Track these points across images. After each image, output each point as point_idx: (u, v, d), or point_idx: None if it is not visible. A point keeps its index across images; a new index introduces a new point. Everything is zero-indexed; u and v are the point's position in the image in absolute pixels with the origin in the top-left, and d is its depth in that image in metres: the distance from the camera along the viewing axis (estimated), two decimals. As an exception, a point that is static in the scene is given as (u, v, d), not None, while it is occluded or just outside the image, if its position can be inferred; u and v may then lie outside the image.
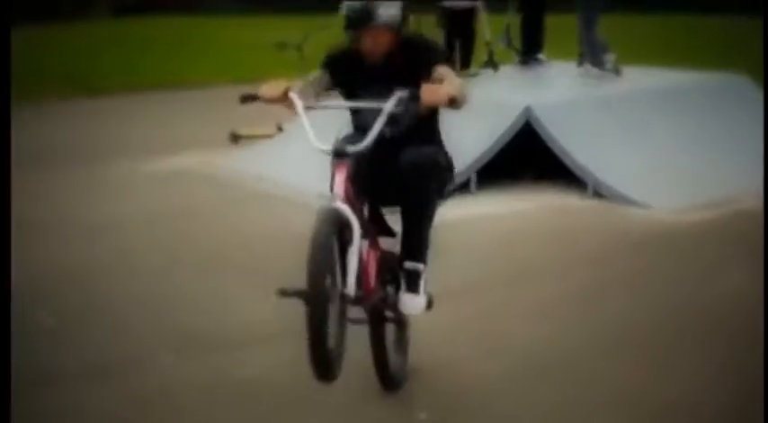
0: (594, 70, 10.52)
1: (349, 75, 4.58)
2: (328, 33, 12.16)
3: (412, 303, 4.54)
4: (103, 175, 10.01)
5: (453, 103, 4.20)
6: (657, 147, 9.16)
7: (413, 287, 4.53)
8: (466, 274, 6.67)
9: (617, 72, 10.35)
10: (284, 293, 3.90)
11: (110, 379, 5.08)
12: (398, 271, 4.58)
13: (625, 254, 7.25)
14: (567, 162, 8.78)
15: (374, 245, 4.51)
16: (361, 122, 4.47)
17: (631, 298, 6.26)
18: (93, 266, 7.02)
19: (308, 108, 4.42)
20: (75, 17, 29.84)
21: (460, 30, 11.37)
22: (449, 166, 4.67)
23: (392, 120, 4.27)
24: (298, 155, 7.22)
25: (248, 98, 4.57)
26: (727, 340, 5.50)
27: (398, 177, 4.36)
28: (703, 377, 5.01)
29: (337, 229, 3.97)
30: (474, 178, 8.87)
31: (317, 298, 3.76)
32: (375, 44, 4.44)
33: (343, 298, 4.00)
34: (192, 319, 5.92)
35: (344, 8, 4.49)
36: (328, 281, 3.84)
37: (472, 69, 11.41)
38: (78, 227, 8.12)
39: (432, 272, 4.62)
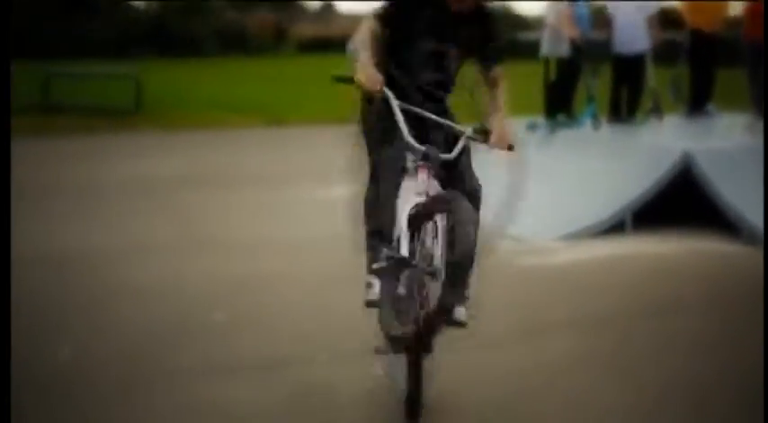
0: (761, 122, 10.60)
1: (413, 18, 4.61)
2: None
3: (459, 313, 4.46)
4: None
5: (510, 149, 4.58)
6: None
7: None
8: (607, 306, 6.95)
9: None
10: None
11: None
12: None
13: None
14: (723, 207, 8.92)
15: None
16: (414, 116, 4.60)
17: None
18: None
19: (400, 107, 4.50)
20: (264, 52, 31.47)
21: (628, 76, 11.57)
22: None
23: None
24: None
25: (343, 79, 4.57)
26: None
27: None
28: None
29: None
30: (629, 219, 9.13)
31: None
32: None
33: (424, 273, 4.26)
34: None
35: None
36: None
37: (639, 117, 11.63)
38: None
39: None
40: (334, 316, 6.28)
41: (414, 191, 4.42)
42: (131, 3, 35.91)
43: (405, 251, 4.27)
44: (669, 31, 12.65)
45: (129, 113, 17.64)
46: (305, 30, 42.25)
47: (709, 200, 9.00)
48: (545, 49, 11.52)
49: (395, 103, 4.50)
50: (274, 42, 37.24)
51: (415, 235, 4.36)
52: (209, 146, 14.68)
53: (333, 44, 28.50)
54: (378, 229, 4.53)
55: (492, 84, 4.79)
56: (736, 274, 7.96)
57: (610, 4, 11.78)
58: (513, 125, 4.62)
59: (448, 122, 4.66)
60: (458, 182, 4.67)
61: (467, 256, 4.11)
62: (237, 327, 6.24)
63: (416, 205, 4.37)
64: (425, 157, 4.43)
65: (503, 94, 4.71)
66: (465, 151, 4.72)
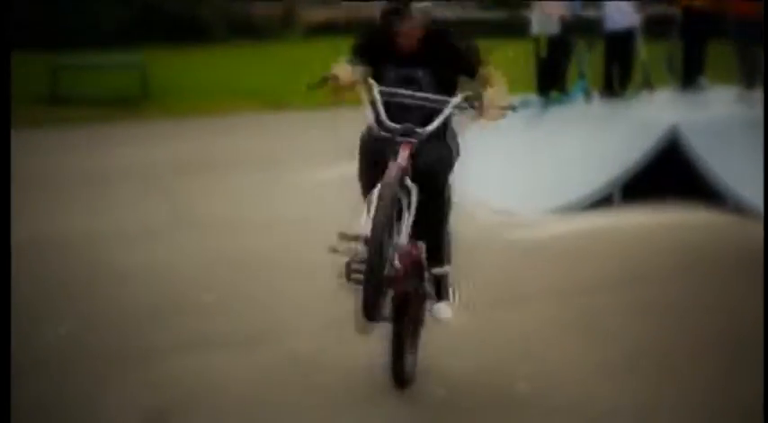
0: (750, 94, 10.80)
1: (378, 58, 4.91)
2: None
3: (445, 311, 5.00)
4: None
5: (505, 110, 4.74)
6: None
7: (444, 294, 5.02)
8: (593, 275, 7.20)
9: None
10: (344, 237, 4.52)
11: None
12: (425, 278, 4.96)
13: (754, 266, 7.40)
14: (709, 178, 9.13)
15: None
16: (394, 106, 4.80)
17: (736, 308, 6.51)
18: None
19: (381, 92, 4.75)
20: (272, 37, 31.68)
21: (619, 52, 11.74)
22: (455, 157, 5.01)
23: (431, 111, 4.77)
24: (476, 169, 7.90)
25: (320, 83, 4.78)
26: None
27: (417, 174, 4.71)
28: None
29: (398, 195, 4.53)
30: (618, 192, 9.36)
31: (377, 243, 4.35)
32: (410, 33, 4.81)
33: (395, 248, 4.55)
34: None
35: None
36: (386, 234, 4.43)
37: (630, 91, 11.80)
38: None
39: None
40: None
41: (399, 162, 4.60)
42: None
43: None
44: (661, 5, 12.80)
45: (136, 102, 17.84)
46: (313, 14, 42.22)
47: (696, 172, 9.21)
48: (535, 27, 11.70)
49: (377, 89, 4.76)
50: (282, 27, 37.28)
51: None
52: (213, 131, 14.88)
53: (340, 28, 28.62)
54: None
55: (480, 81, 4.93)
56: (722, 243, 8.18)
57: None
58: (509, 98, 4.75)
59: (430, 95, 4.80)
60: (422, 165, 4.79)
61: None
62: (234, 305, 6.56)
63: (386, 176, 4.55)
64: (405, 133, 4.64)
65: (499, 80, 4.86)
66: (449, 127, 4.93)
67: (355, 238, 4.50)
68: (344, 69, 4.81)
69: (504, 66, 5.05)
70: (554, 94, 11.60)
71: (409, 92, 4.81)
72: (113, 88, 18.07)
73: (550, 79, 11.65)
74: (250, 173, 11.17)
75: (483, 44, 5.01)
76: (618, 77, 11.71)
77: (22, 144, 12.15)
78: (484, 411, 5.00)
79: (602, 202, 9.30)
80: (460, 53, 4.92)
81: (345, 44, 5.10)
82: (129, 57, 19.68)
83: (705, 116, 10.28)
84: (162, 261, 7.70)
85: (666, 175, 9.42)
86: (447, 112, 4.74)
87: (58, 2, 27.05)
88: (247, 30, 32.90)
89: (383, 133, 4.69)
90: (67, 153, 12.62)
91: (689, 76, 12.12)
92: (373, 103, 4.75)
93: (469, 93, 4.83)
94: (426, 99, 4.79)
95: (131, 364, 5.54)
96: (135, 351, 5.72)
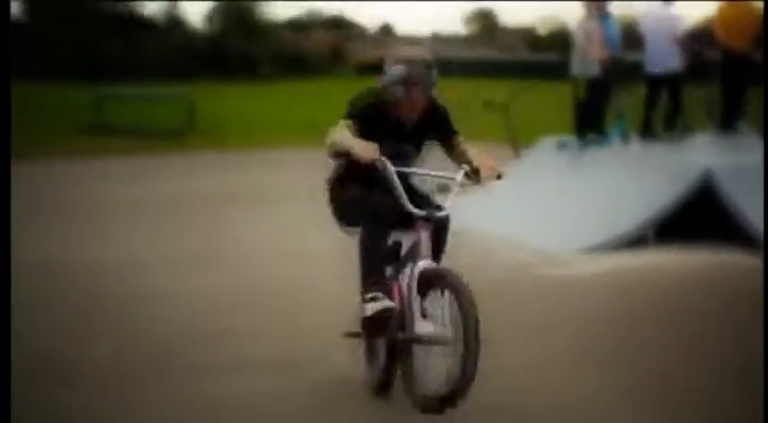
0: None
1: (376, 127, 5.01)
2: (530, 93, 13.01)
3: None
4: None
5: (499, 178, 5.10)
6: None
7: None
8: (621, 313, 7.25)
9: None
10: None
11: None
12: None
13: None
14: (743, 223, 9.14)
15: None
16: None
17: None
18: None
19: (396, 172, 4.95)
20: (321, 74, 32.02)
21: (660, 95, 11.82)
22: None
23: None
24: (502, 208, 7.97)
25: (339, 155, 5.00)
26: None
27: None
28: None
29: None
30: (652, 232, 9.40)
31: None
32: (416, 104, 5.04)
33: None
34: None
35: (403, 68, 4.95)
36: None
37: (668, 135, 11.86)
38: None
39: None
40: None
41: (421, 253, 4.91)
42: (189, 24, 36.76)
43: (417, 314, 4.84)
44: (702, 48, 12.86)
45: (180, 134, 18.14)
46: (363, 51, 42.58)
47: (730, 215, 9.23)
48: (575, 68, 11.81)
49: (392, 169, 4.91)
50: (332, 64, 37.67)
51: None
52: (257, 165, 15.12)
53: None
54: (366, 278, 5.01)
55: (457, 151, 5.26)
56: (754, 288, 8.17)
57: (642, 22, 12.05)
58: (494, 153, 5.00)
59: (440, 173, 5.16)
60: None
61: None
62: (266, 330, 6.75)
63: (425, 271, 4.86)
64: (427, 219, 4.91)
65: (475, 148, 5.20)
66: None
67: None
68: (365, 146, 4.85)
69: (543, 107, 5.19)
70: (591, 135, 11.68)
71: (423, 171, 5.17)
72: (158, 120, 18.39)
73: (589, 121, 11.74)
74: (291, 204, 11.37)
75: (520, 84, 5.18)
76: (664, 121, 11.78)
77: (63, 173, 12.47)
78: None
79: (637, 242, 9.34)
80: (449, 124, 5.21)
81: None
82: (175, 89, 20.02)
83: (740, 160, 10.30)
84: (191, 285, 7.96)
85: (701, 218, 9.45)
86: (456, 190, 5.07)
87: (111, 32, 27.56)
88: (297, 66, 33.22)
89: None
90: (105, 182, 12.88)
91: (727, 120, 12.15)
92: (392, 185, 4.92)
93: (466, 167, 5.10)
94: (433, 176, 5.16)
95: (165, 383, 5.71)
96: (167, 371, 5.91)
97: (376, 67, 5.05)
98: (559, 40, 25.36)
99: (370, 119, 5.00)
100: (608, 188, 10.10)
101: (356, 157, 4.84)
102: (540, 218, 10.06)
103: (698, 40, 12.57)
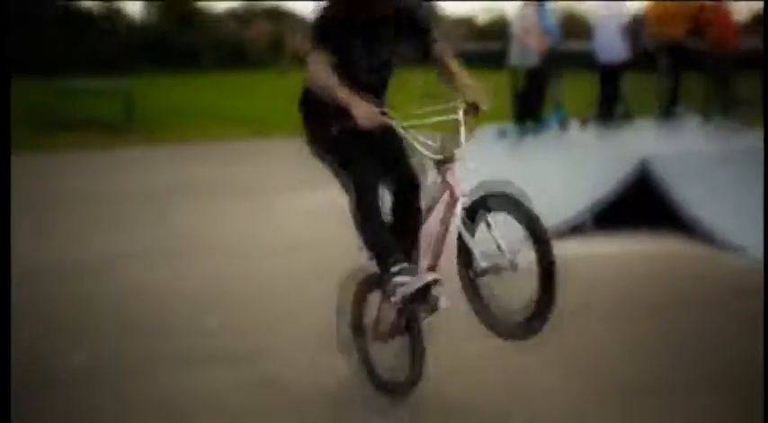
0: (726, 123, 11.03)
1: (341, 36, 4.61)
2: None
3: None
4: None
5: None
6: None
7: None
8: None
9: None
10: None
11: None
12: None
13: (725, 299, 7.48)
14: (678, 210, 9.25)
15: None
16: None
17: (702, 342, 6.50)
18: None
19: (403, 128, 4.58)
20: (262, 66, 31.91)
21: (605, 83, 11.98)
22: None
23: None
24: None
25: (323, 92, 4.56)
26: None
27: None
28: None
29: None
30: (590, 220, 9.48)
31: None
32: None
33: None
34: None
35: None
36: None
37: (610, 120, 11.99)
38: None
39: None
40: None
41: (454, 193, 4.56)
42: (130, 17, 36.38)
43: (470, 243, 4.51)
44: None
45: (120, 127, 17.99)
46: (302, 42, 42.11)
47: (666, 202, 9.33)
48: (513, 59, 11.86)
49: (399, 128, 4.58)
50: (272, 55, 37.46)
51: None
52: (195, 158, 15.02)
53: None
54: (383, 251, 4.69)
55: (441, 62, 4.86)
56: (690, 273, 8.26)
57: (591, 13, 12.24)
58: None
59: (452, 116, 4.70)
60: (404, 170, 4.86)
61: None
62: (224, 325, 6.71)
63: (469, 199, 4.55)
64: (448, 160, 4.59)
65: (455, 64, 4.80)
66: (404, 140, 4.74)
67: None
68: (368, 112, 4.46)
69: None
70: (530, 123, 11.75)
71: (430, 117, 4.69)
72: (99, 113, 18.21)
73: (527, 110, 11.81)
74: (236, 198, 11.30)
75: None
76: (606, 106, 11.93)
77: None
78: None
79: (575, 230, 9.40)
80: (424, 27, 4.79)
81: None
82: (114, 82, 19.82)
83: (676, 149, 10.40)
84: (137, 282, 7.86)
85: (638, 205, 9.54)
86: (463, 123, 4.66)
87: (58, 30, 27.25)
88: (238, 58, 33.02)
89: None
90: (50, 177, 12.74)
91: (665, 106, 12.30)
92: (409, 143, 4.64)
93: (462, 104, 4.72)
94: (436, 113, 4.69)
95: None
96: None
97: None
98: (498, 30, 25.48)
99: (338, 32, 4.59)
100: (546, 176, 10.14)
101: (357, 121, 4.44)
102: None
103: (636, 28, 12.71)
